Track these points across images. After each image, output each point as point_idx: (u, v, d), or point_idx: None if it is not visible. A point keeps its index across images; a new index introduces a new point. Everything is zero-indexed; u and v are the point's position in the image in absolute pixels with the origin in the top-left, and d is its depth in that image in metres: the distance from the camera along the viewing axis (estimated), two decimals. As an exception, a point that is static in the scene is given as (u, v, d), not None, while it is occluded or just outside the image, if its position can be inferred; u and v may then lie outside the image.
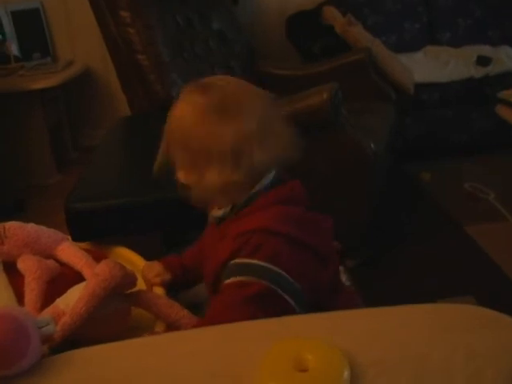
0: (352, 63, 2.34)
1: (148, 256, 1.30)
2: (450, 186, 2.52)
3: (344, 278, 1.46)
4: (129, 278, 1.01)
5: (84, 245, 1.26)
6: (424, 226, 2.24)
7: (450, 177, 2.58)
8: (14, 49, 2.66)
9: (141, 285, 1.12)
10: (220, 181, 0.83)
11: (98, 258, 1.19)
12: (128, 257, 1.25)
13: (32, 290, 1.00)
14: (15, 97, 2.49)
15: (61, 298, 0.97)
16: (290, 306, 0.84)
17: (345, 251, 1.92)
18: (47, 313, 0.94)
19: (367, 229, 1.93)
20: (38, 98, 2.54)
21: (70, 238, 1.18)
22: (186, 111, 0.85)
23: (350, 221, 1.87)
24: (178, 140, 0.86)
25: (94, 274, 0.96)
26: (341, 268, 1.10)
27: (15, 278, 1.08)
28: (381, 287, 1.91)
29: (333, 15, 2.52)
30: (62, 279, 1.07)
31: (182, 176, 0.87)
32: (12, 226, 1.08)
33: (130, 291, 1.03)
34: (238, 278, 0.83)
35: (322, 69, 2.40)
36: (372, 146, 1.86)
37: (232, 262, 0.84)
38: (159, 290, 1.11)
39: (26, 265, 1.03)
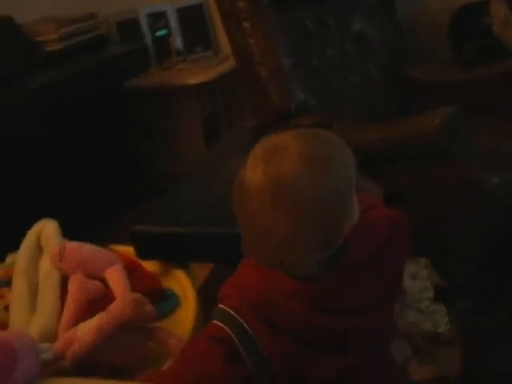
0: (509, 72, 2.05)
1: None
2: None
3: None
4: (144, 315, 1.08)
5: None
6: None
7: None
8: (178, 43, 2.87)
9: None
10: None
11: (146, 280, 1.29)
12: (181, 281, 1.33)
13: (68, 309, 1.12)
14: (172, 90, 2.71)
15: (83, 323, 1.08)
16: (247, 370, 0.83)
17: (450, 290, 1.76)
18: (67, 336, 1.06)
19: (479, 268, 1.73)
20: (193, 92, 2.72)
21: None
22: None
23: (458, 258, 1.70)
24: None
25: (108, 309, 1.05)
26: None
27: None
28: (494, 336, 1.71)
29: (497, 11, 2.20)
30: (105, 300, 1.18)
31: None
32: (71, 246, 1.22)
33: (148, 326, 1.11)
34: (215, 321, 0.86)
35: (473, 76, 2.14)
36: (495, 179, 1.63)
37: (219, 306, 0.88)
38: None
39: (71, 286, 1.16)
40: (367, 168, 1.78)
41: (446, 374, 1.58)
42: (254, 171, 0.80)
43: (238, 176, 0.83)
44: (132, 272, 1.27)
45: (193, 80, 2.67)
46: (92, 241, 1.36)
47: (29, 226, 1.38)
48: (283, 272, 0.85)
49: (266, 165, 0.80)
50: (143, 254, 1.35)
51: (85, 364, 1.06)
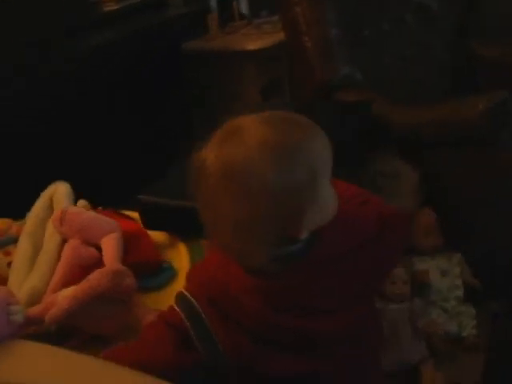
0: None
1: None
2: None
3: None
4: (123, 288, 1.07)
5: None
6: None
7: None
8: (243, 7, 2.81)
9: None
10: None
11: (145, 250, 1.29)
12: (181, 254, 1.32)
13: (58, 273, 1.14)
14: (231, 55, 2.66)
15: (66, 289, 1.09)
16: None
17: (482, 291, 1.64)
18: (49, 300, 1.08)
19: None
20: (252, 58, 2.66)
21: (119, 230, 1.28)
22: None
23: (496, 255, 1.57)
24: None
25: (87, 278, 1.06)
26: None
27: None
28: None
29: None
30: (98, 268, 1.20)
31: None
32: (71, 211, 1.24)
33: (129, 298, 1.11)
34: (173, 305, 0.86)
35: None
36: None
37: (180, 290, 0.88)
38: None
39: (65, 251, 1.18)
40: (405, 152, 1.67)
41: (461, 381, 1.48)
42: (209, 153, 0.77)
43: (196, 155, 0.80)
44: (133, 241, 1.28)
45: (251, 46, 2.61)
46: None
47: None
48: (240, 265, 0.82)
49: (220, 147, 0.76)
50: (148, 224, 1.34)
51: (66, 329, 1.09)
